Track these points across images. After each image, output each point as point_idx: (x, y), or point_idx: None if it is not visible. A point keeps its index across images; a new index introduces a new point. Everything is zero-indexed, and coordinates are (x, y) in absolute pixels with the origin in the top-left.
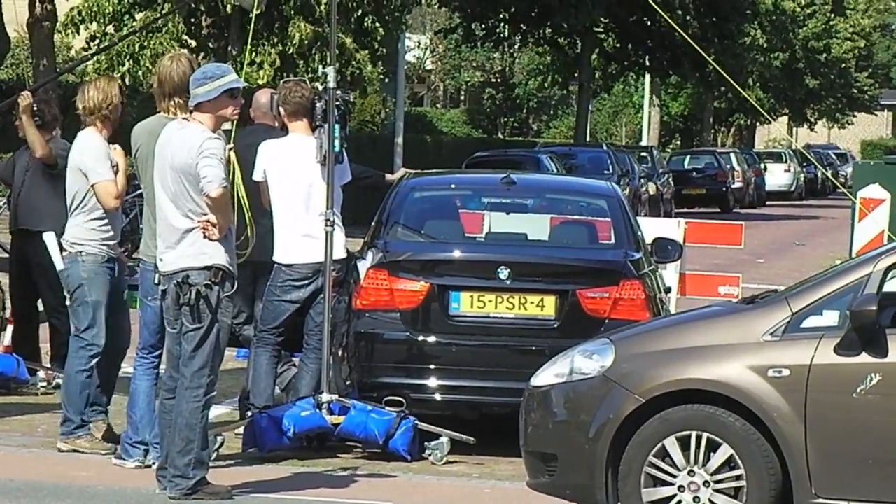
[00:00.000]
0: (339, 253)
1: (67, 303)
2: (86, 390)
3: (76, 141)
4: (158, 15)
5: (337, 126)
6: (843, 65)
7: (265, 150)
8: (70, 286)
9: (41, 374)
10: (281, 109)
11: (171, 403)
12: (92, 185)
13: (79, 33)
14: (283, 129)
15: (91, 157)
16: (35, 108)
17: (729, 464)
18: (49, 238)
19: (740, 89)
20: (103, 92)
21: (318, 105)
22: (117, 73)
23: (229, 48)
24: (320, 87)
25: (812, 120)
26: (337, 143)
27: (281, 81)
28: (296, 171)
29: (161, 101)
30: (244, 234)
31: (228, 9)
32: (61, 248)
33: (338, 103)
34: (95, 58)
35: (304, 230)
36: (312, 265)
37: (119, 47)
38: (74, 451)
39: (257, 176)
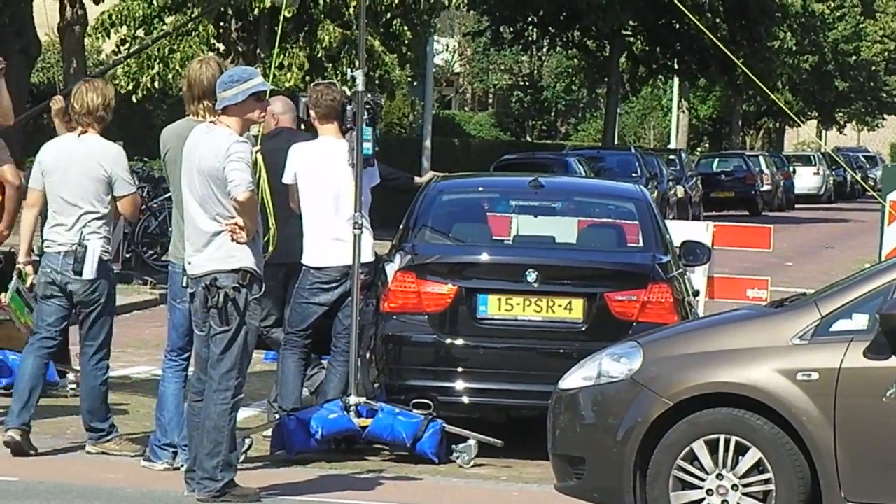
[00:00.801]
0: (368, 256)
1: (89, 313)
2: (107, 397)
3: (99, 149)
4: (188, 18)
5: (369, 129)
6: (873, 67)
7: (295, 153)
8: (96, 297)
9: (70, 376)
10: (311, 112)
11: (199, 406)
12: (121, 197)
13: (109, 37)
14: (307, 132)
15: (124, 169)
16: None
17: (758, 467)
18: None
19: (769, 92)
20: (102, 94)
21: (348, 108)
22: (147, 77)
23: (258, 51)
24: (349, 91)
25: (841, 123)
26: (369, 146)
27: (311, 84)
28: (326, 174)
29: (190, 104)
30: (266, 237)
31: (257, 12)
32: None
33: (369, 106)
34: (125, 61)
35: (333, 233)
36: (341, 268)
37: (148, 50)
38: (103, 453)
39: (287, 178)
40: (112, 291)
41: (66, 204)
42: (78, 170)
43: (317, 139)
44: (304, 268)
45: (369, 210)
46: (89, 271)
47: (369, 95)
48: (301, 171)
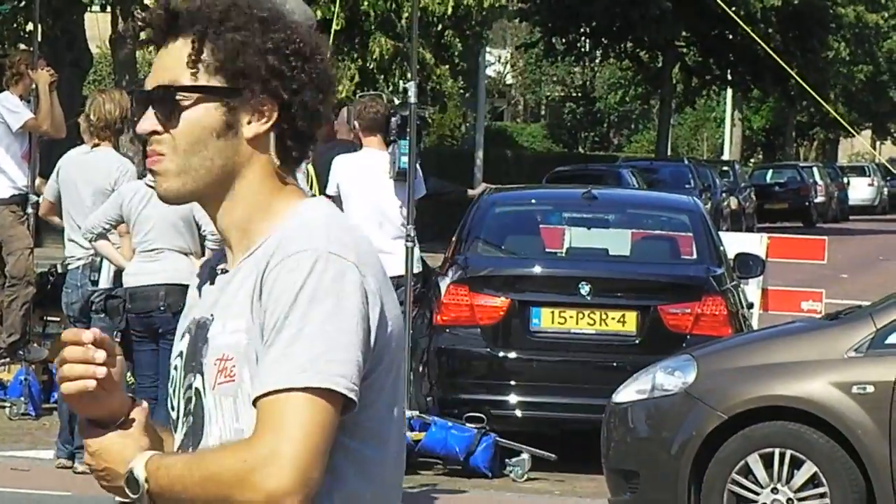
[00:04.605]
0: (413, 268)
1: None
2: None
3: (107, 164)
4: None
5: (405, 142)
6: None
7: (338, 165)
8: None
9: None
10: (356, 123)
11: None
12: None
13: None
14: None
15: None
16: None
17: (813, 481)
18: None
19: (823, 103)
20: (119, 105)
21: (392, 120)
22: None
23: None
24: (397, 102)
25: None
26: (406, 159)
27: (357, 96)
28: (369, 186)
29: None
30: None
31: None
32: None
33: (414, 118)
34: None
35: (376, 245)
36: None
37: None
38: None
39: (331, 190)
40: None
41: (79, 219)
42: (86, 185)
43: (360, 151)
44: None
45: (413, 221)
46: (105, 280)
47: (411, 108)
48: (343, 183)
